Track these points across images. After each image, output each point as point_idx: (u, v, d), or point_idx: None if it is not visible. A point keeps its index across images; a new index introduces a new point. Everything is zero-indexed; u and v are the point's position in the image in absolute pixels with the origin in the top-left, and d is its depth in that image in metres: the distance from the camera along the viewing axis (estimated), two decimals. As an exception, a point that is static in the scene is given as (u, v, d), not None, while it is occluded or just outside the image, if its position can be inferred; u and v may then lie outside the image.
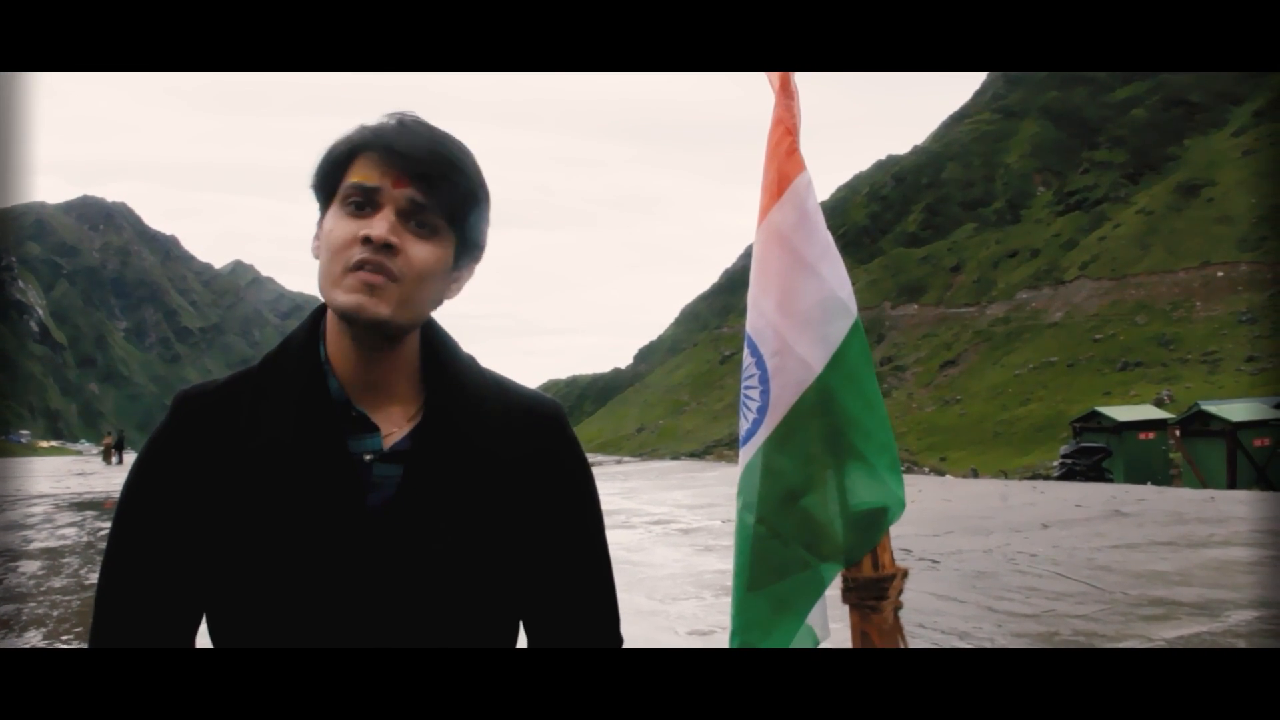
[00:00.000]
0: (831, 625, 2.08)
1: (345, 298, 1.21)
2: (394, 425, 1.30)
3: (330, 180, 1.27)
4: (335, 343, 1.30)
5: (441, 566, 1.26)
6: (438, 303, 1.31)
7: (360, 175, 1.24)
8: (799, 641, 2.00)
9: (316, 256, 1.28)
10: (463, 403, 1.34)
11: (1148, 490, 16.63)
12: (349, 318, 1.22)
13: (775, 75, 2.01)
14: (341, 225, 1.23)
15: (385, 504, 1.25)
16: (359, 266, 1.20)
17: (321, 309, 1.35)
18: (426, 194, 1.24)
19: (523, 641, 1.43)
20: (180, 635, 1.28)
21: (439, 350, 1.37)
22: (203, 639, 1.30)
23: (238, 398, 1.30)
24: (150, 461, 1.30)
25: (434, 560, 1.25)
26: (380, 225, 1.21)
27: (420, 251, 1.24)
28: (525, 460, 1.35)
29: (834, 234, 2.00)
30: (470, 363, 1.41)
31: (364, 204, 1.23)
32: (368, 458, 1.27)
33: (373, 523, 1.24)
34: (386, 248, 1.21)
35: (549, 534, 1.36)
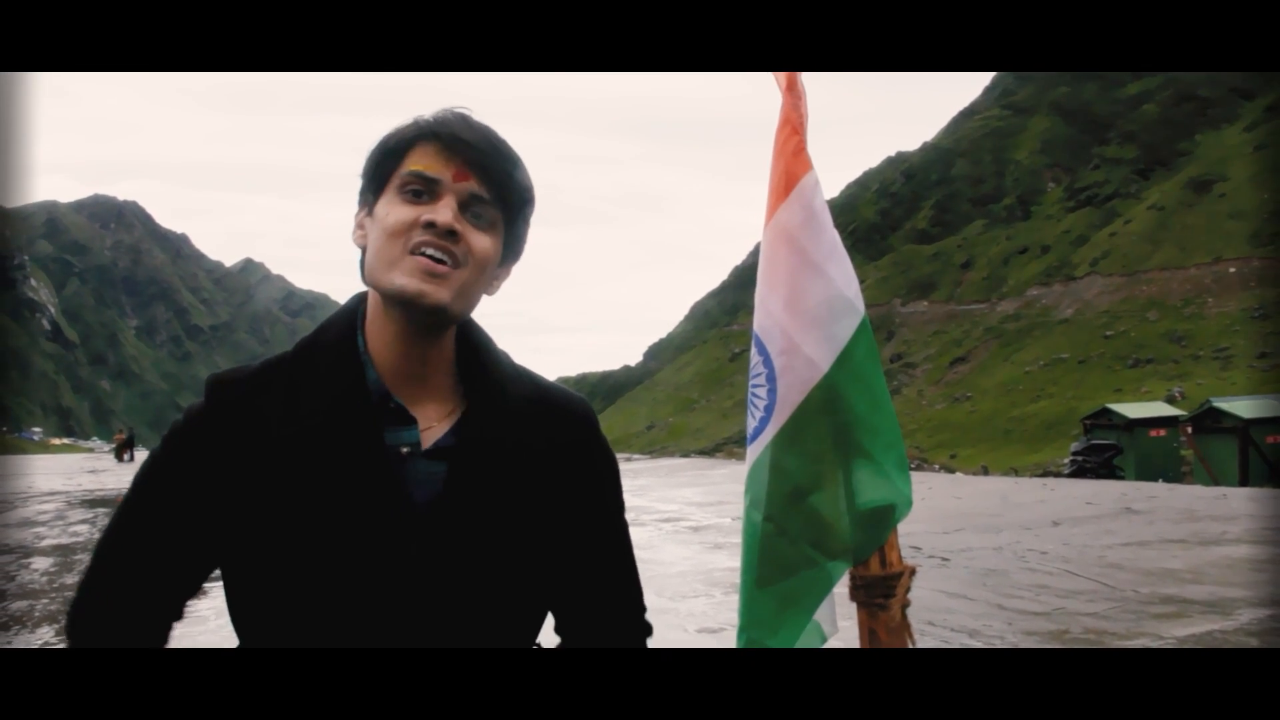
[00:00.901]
0: (839, 623, 2.08)
1: (405, 280, 1.21)
2: (431, 420, 1.30)
3: (385, 168, 1.28)
4: (377, 332, 1.30)
5: (484, 562, 1.27)
6: (481, 298, 1.32)
7: (421, 164, 1.24)
8: (806, 638, 2.00)
9: (359, 244, 1.29)
10: (502, 400, 1.35)
11: (1159, 487, 16.57)
12: (406, 302, 1.22)
13: (782, 74, 2.01)
14: (399, 210, 1.23)
15: (432, 501, 1.26)
16: (419, 250, 1.21)
17: (358, 299, 1.35)
18: (487, 188, 1.25)
19: (548, 631, 1.44)
20: (167, 604, 1.30)
21: (477, 347, 1.38)
22: (227, 634, 1.31)
23: (271, 384, 1.30)
24: (179, 436, 1.30)
25: (477, 556, 1.26)
26: (445, 211, 1.22)
27: (480, 240, 1.25)
28: (560, 457, 1.37)
29: (843, 231, 2.00)
30: (506, 360, 1.42)
31: (423, 192, 1.24)
32: (404, 450, 1.27)
33: (419, 519, 1.24)
34: (450, 233, 1.22)
35: (581, 529, 1.39)
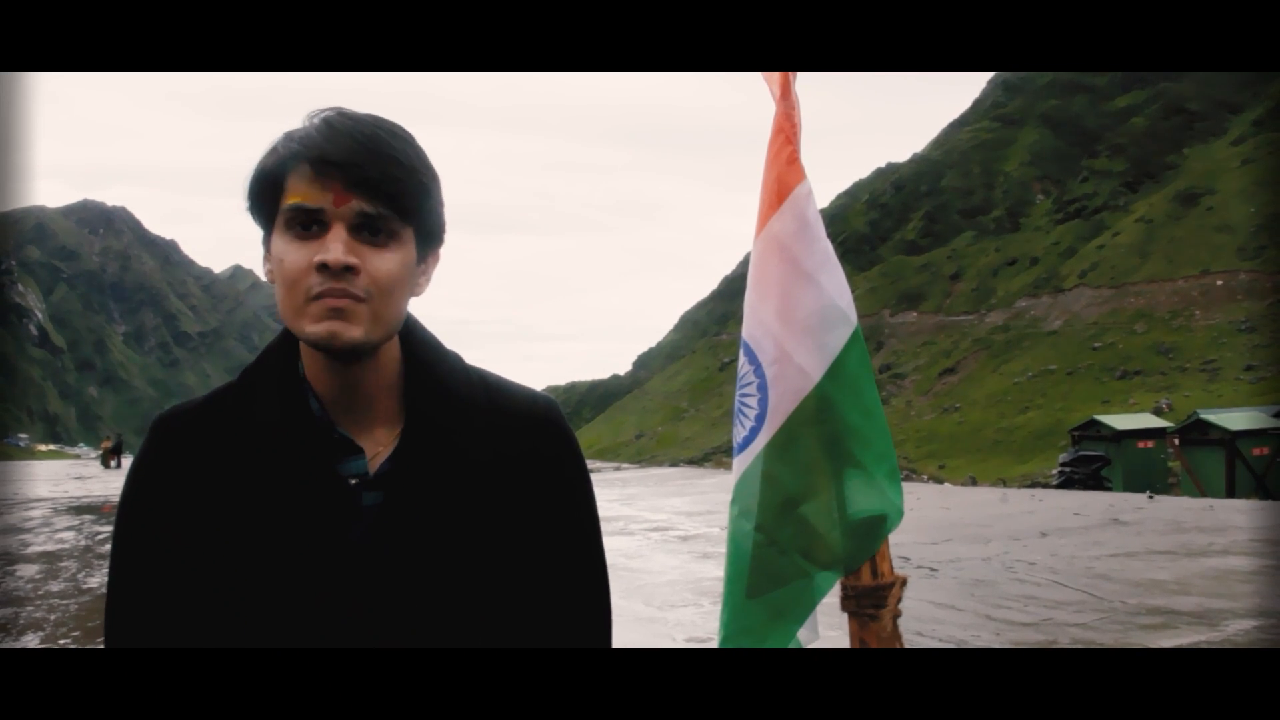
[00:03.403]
0: (830, 632, 2.08)
1: (314, 328, 1.14)
2: (379, 445, 1.25)
3: (268, 202, 1.20)
4: (310, 363, 1.25)
5: (425, 596, 1.22)
6: (408, 304, 1.25)
7: (299, 195, 1.15)
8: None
9: (271, 281, 1.20)
10: (446, 413, 1.27)
11: (1146, 499, 16.62)
12: (322, 347, 1.16)
13: (776, 82, 2.01)
14: (293, 252, 1.15)
15: (366, 534, 1.21)
16: (319, 295, 1.14)
17: None
18: (373, 201, 1.15)
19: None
20: (199, 621, 1.22)
21: (420, 355, 1.30)
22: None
23: (218, 417, 1.26)
24: (135, 492, 1.26)
25: (417, 590, 1.21)
26: (335, 249, 1.13)
27: (382, 264, 1.16)
28: (519, 465, 1.29)
29: (833, 241, 2.00)
30: (455, 364, 1.34)
31: (310, 224, 1.15)
32: (353, 481, 1.22)
33: (355, 553, 1.20)
34: (346, 270, 1.13)
35: (544, 542, 1.30)
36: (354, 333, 1.14)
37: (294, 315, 1.16)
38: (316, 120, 1.20)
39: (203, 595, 1.20)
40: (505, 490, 1.28)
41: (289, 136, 1.20)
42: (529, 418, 1.34)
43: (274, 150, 1.20)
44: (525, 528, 1.29)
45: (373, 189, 1.15)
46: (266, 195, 1.19)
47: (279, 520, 1.19)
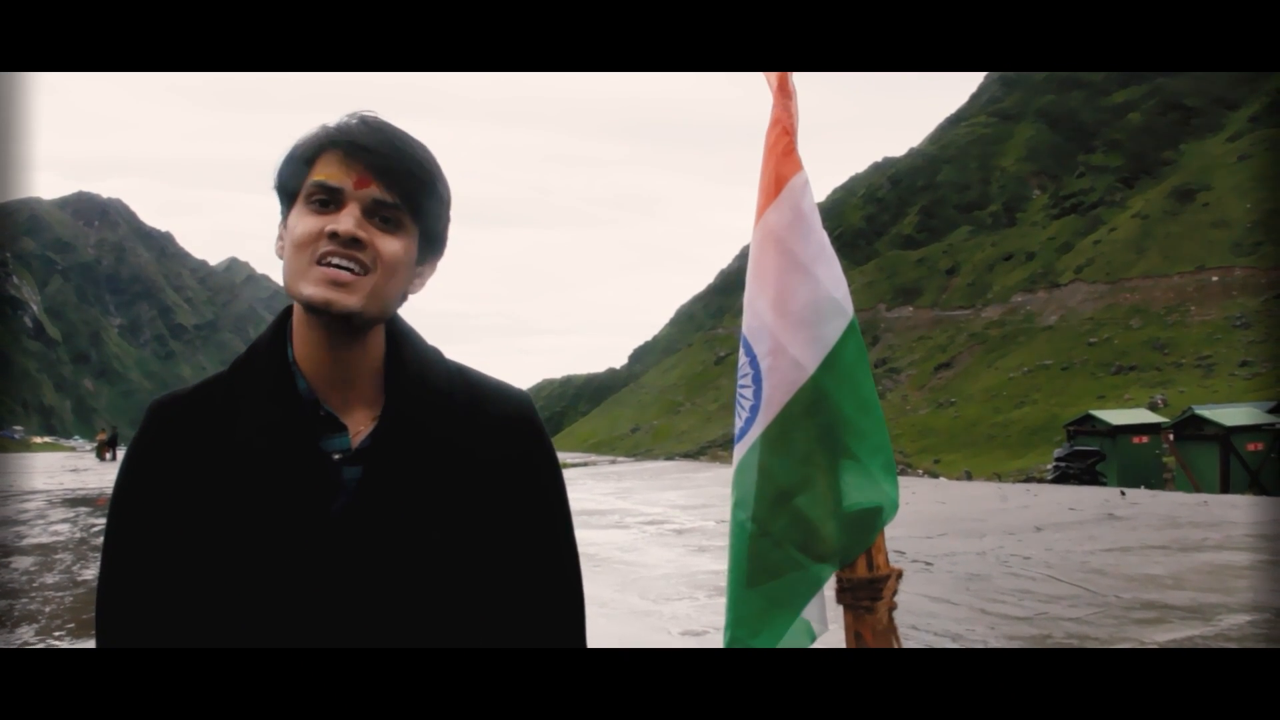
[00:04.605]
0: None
1: (313, 290, 1.22)
2: (360, 424, 1.32)
3: (293, 180, 1.29)
4: (302, 342, 1.32)
5: (401, 568, 1.27)
6: (404, 297, 1.33)
7: (324, 174, 1.26)
8: (793, 637, 2.00)
9: (280, 256, 1.30)
10: (424, 399, 1.34)
11: (1141, 494, 16.64)
12: (318, 310, 1.24)
13: (773, 75, 2.01)
14: (306, 221, 1.25)
15: (345, 507, 1.26)
16: (325, 260, 1.23)
17: (286, 312, 1.37)
18: (390, 191, 1.26)
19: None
20: (188, 638, 1.26)
21: (401, 345, 1.38)
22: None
23: (210, 402, 1.33)
24: (130, 475, 1.32)
25: (393, 562, 1.26)
26: (347, 220, 1.23)
27: (388, 244, 1.26)
28: (492, 455, 1.36)
29: (829, 236, 1.99)
30: (434, 356, 1.42)
31: (328, 201, 1.25)
32: (336, 456, 1.29)
33: (334, 526, 1.25)
34: (354, 242, 1.23)
35: (514, 531, 1.37)
36: (351, 301, 1.23)
37: (296, 277, 1.25)
38: (354, 118, 1.31)
39: (194, 567, 1.25)
40: (477, 471, 1.35)
41: (325, 126, 1.30)
42: (504, 410, 1.42)
43: (310, 135, 1.31)
44: (496, 507, 1.35)
45: (392, 178, 1.26)
46: (294, 173, 1.29)
47: (266, 492, 1.25)
